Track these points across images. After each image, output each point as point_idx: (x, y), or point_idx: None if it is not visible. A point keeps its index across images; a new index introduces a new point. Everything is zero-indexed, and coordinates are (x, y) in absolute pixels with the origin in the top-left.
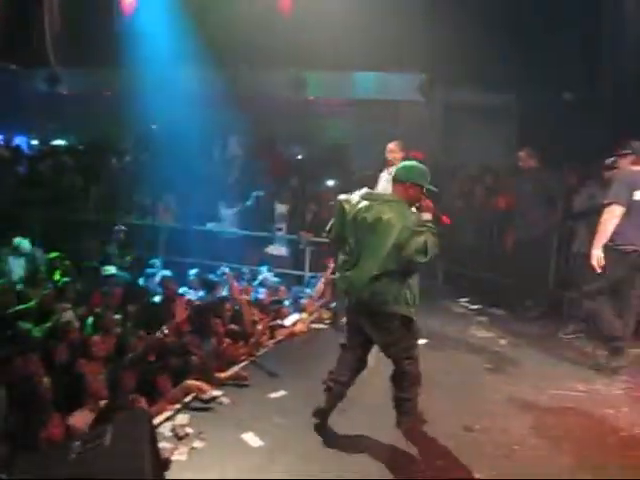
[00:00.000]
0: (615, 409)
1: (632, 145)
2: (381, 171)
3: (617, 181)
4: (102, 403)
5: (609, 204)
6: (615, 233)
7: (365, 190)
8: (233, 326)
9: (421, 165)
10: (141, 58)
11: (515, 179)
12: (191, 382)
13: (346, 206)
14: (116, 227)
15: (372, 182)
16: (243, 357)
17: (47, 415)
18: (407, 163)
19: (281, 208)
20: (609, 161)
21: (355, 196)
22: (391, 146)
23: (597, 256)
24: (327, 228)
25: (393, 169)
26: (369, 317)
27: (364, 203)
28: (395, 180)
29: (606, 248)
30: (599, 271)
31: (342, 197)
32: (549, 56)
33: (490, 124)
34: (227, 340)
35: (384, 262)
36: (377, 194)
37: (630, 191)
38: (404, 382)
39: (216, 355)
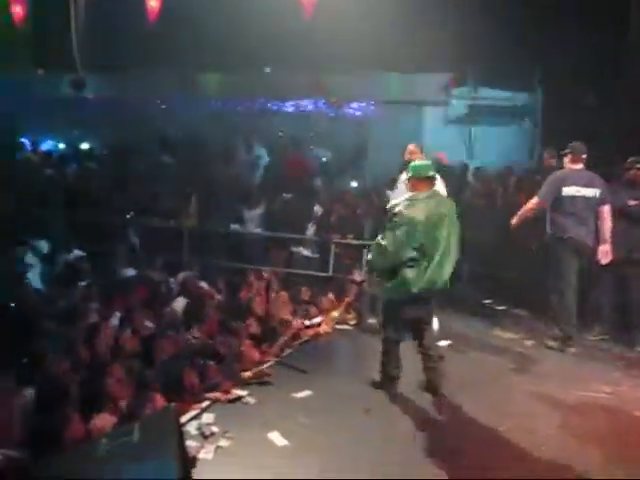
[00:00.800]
0: None
1: (571, 145)
2: (401, 172)
3: (549, 179)
4: (124, 404)
5: (538, 198)
6: (553, 225)
7: (410, 194)
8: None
9: None
10: (166, 62)
11: (539, 178)
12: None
13: (410, 213)
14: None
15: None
16: (268, 358)
17: (70, 415)
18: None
19: (318, 210)
20: (631, 160)
21: (406, 201)
22: (411, 147)
23: (514, 223)
24: (386, 243)
25: None
26: (429, 303)
27: (425, 204)
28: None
29: (550, 239)
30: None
31: (398, 206)
32: (575, 57)
33: (514, 124)
34: (248, 342)
35: (455, 253)
36: (423, 193)
37: (559, 188)
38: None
39: (237, 356)
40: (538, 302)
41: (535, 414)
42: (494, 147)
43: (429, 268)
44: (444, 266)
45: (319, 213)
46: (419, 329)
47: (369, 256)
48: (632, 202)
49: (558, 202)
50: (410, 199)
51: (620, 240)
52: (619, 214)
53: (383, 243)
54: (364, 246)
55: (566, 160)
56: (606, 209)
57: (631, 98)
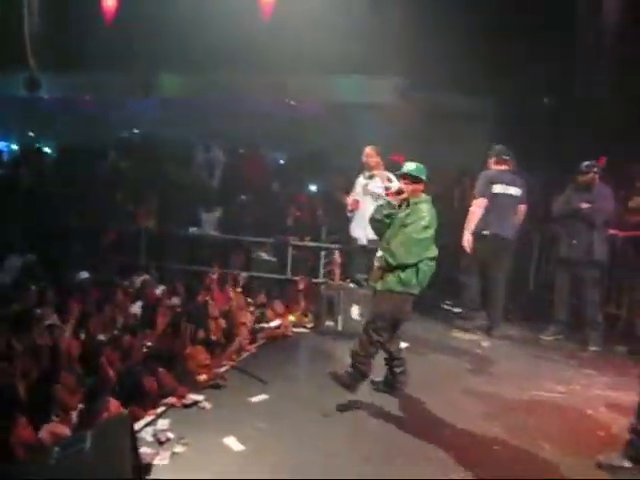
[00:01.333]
0: (593, 409)
1: (494, 148)
2: (358, 175)
3: (480, 178)
4: (75, 412)
5: (476, 198)
6: (479, 220)
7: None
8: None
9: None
10: (123, 63)
11: None
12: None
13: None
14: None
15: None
16: (224, 362)
17: (14, 419)
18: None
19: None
20: (584, 165)
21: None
22: (368, 150)
23: (467, 239)
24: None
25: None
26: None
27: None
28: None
29: (473, 234)
30: (469, 252)
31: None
32: (527, 60)
33: (468, 127)
34: (200, 347)
35: None
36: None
37: (490, 185)
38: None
39: (190, 361)
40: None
41: (490, 415)
42: (450, 149)
43: (428, 267)
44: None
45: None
46: (394, 330)
47: (396, 249)
48: (585, 205)
49: (488, 198)
50: (427, 200)
51: (575, 242)
52: (574, 217)
53: (421, 237)
54: (322, 248)
55: (491, 162)
56: (523, 207)
57: (585, 99)
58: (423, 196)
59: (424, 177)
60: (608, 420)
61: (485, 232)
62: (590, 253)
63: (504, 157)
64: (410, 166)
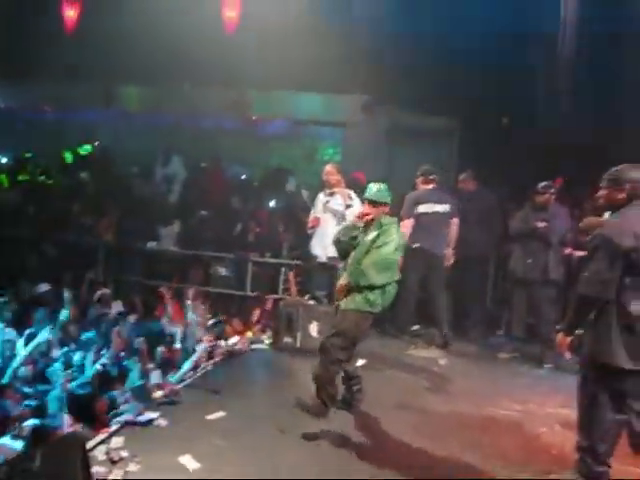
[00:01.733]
0: (548, 427)
1: (422, 168)
2: (319, 192)
3: (406, 200)
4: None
5: (402, 218)
6: (409, 237)
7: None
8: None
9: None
10: (82, 73)
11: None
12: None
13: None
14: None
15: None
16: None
17: None
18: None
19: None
20: (541, 185)
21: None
22: (328, 168)
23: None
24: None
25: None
26: None
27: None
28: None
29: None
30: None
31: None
32: (488, 80)
33: (432, 146)
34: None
35: None
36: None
37: (415, 205)
38: None
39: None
40: (452, 321)
41: (445, 434)
42: (414, 167)
43: (394, 289)
44: None
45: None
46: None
47: (368, 270)
48: (540, 224)
49: (414, 218)
50: (394, 222)
51: (530, 261)
52: (530, 236)
53: (393, 259)
54: (282, 265)
55: (418, 182)
56: (455, 221)
57: (542, 119)
58: (389, 218)
59: (387, 200)
60: (562, 438)
61: (416, 245)
62: (546, 272)
63: (430, 177)
64: (372, 190)
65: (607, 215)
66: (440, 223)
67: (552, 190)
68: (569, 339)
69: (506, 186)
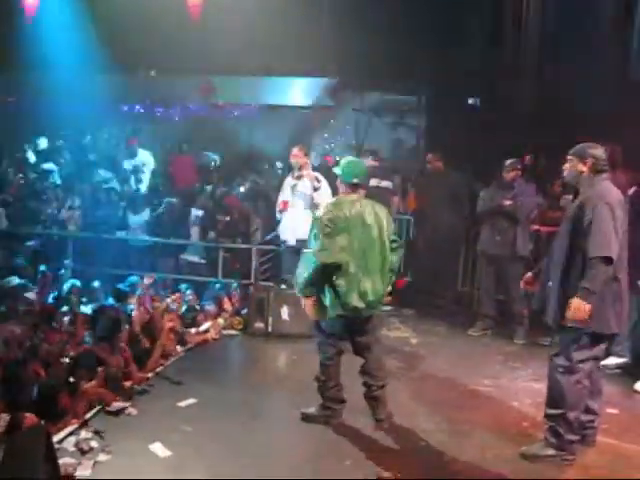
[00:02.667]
0: (519, 402)
1: (368, 150)
2: (286, 176)
3: None
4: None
5: None
6: None
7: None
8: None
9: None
10: (46, 63)
11: (424, 180)
12: (91, 389)
13: (342, 217)
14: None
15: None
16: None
17: None
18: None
19: (197, 214)
20: (508, 163)
21: (334, 205)
22: (295, 151)
23: None
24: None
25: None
26: (367, 320)
27: (356, 208)
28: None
29: None
30: None
31: (327, 212)
32: (455, 59)
33: (399, 127)
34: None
35: (389, 257)
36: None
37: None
38: (381, 370)
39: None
40: (424, 302)
41: (418, 412)
42: (380, 149)
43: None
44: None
45: (199, 217)
46: (355, 344)
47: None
48: (507, 202)
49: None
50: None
51: (498, 238)
52: (497, 214)
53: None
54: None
55: (367, 160)
56: (396, 198)
57: (509, 100)
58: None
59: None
60: (532, 411)
61: None
62: (514, 249)
63: (376, 157)
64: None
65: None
66: (385, 197)
67: (519, 167)
68: (589, 306)
69: (473, 165)
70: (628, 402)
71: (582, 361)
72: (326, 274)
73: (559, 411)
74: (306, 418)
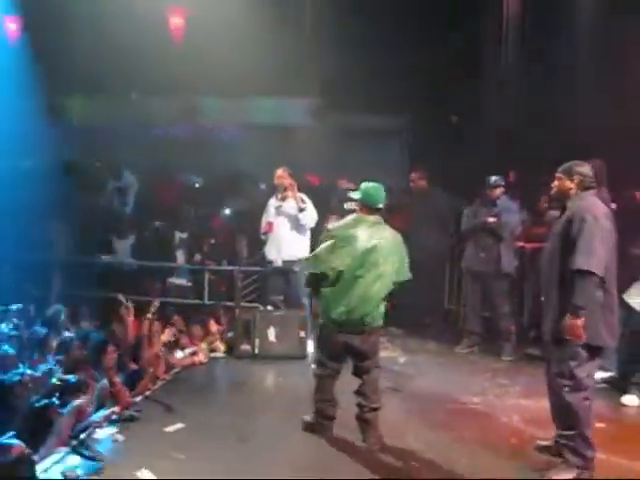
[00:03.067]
0: (507, 418)
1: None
2: (270, 197)
3: (332, 199)
4: None
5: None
6: None
7: (351, 216)
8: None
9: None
10: (25, 86)
11: (409, 199)
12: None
13: (341, 235)
14: None
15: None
16: (137, 392)
17: None
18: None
19: (181, 236)
20: (492, 180)
21: (343, 224)
22: (279, 172)
23: None
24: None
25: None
26: (362, 335)
27: (360, 228)
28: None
29: None
30: None
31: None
32: (437, 79)
33: (383, 146)
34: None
35: (389, 284)
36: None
37: (342, 203)
38: (376, 394)
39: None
40: (411, 320)
41: (407, 432)
42: (365, 169)
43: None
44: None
45: (183, 239)
46: (355, 367)
47: None
48: (491, 219)
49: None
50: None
51: (483, 255)
52: (481, 231)
53: None
54: (239, 271)
55: (342, 182)
56: None
57: (491, 118)
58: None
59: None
60: (521, 427)
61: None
62: (498, 265)
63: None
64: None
65: (552, 213)
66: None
67: (503, 184)
68: (581, 321)
69: (457, 184)
70: (615, 416)
71: (586, 377)
72: (315, 281)
73: (574, 431)
74: (305, 426)
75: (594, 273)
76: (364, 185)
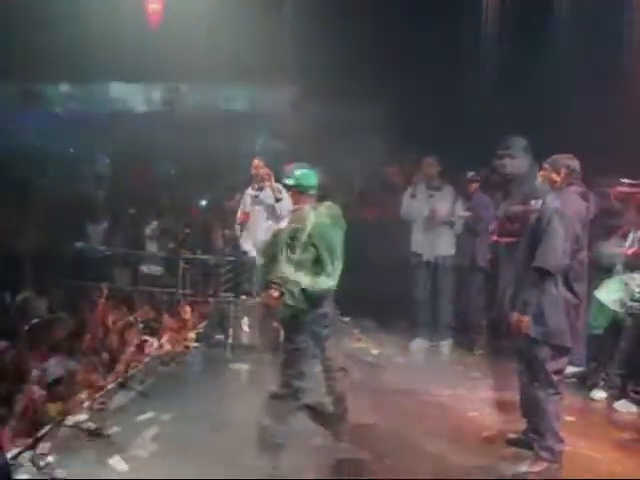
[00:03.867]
0: (479, 411)
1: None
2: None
3: None
4: None
5: None
6: None
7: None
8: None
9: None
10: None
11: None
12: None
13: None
14: None
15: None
16: (109, 380)
17: None
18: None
19: (154, 225)
20: (470, 174)
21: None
22: (256, 162)
23: None
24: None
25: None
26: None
27: (324, 213)
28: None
29: None
30: None
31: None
32: (416, 70)
33: (360, 138)
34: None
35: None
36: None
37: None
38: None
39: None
40: (383, 313)
41: (377, 423)
42: (340, 160)
43: None
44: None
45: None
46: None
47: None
48: (465, 213)
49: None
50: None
51: (461, 249)
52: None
53: None
54: (214, 262)
55: None
56: None
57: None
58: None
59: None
60: (491, 420)
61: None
62: (473, 259)
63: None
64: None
65: (534, 202)
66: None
67: (478, 179)
68: (527, 317)
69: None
70: (584, 409)
71: (555, 372)
72: None
73: (544, 425)
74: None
75: (549, 271)
76: (298, 171)
